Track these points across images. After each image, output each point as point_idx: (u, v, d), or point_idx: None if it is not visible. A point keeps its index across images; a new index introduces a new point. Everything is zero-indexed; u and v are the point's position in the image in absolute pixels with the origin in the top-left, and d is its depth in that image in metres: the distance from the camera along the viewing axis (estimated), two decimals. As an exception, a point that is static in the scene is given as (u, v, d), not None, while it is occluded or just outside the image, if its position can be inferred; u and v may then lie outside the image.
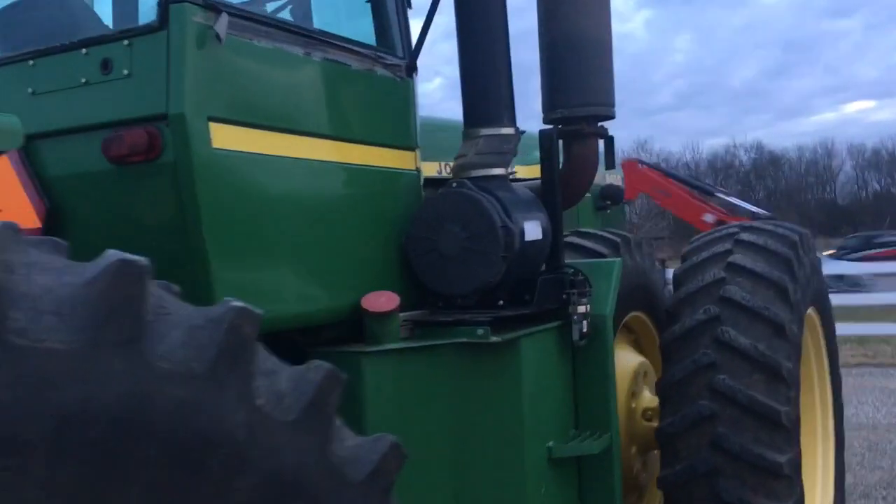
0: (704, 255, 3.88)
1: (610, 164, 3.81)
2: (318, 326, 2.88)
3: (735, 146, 73.82)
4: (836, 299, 13.44)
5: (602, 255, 4.00)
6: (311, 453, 1.37)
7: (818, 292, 4.24)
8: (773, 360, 3.44)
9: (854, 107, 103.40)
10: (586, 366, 3.41)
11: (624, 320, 4.12)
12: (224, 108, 2.40)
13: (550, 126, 3.43)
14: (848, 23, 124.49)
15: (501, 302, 3.14)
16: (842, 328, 13.86)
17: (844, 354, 12.52)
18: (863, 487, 6.47)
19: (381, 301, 2.86)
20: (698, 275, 3.79)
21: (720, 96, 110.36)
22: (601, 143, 3.62)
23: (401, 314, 2.96)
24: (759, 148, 73.19)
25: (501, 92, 3.33)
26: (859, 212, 66.61)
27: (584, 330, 3.28)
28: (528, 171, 4.77)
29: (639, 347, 4.36)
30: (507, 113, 3.33)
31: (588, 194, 5.69)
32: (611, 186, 5.89)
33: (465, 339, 2.93)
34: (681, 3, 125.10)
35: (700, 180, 18.09)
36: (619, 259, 3.58)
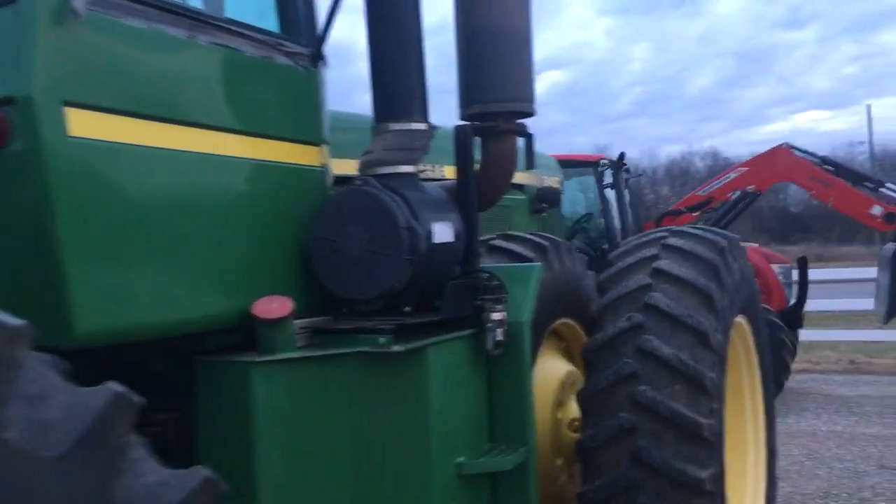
0: (630, 260, 3.73)
1: (529, 164, 3.64)
2: (205, 334, 2.66)
3: (691, 153, 74.76)
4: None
5: (526, 259, 3.84)
6: (85, 494, 1.14)
7: (749, 300, 4.11)
8: (697, 371, 3.30)
9: (807, 116, 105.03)
10: (502, 376, 3.22)
11: (552, 327, 3.96)
12: (84, 91, 2.17)
13: (466, 122, 3.24)
14: (801, 34, 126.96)
15: (408, 308, 2.94)
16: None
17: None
18: (800, 497, 6.40)
19: (273, 307, 2.65)
20: (623, 280, 3.64)
21: (677, 104, 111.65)
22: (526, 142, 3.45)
23: (298, 321, 2.76)
24: (714, 155, 74.11)
25: (412, 84, 3.14)
26: (811, 219, 67.76)
27: (499, 338, 3.10)
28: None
29: (569, 355, 4.20)
30: (418, 107, 3.14)
31: (523, 196, 5.57)
32: (547, 189, 5.75)
33: (365, 349, 2.74)
34: (640, 12, 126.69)
35: (866, 173, 15.43)
36: (538, 264, 3.41)
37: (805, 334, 13.83)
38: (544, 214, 5.71)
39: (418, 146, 3.09)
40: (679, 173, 73.22)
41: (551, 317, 3.91)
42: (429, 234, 2.92)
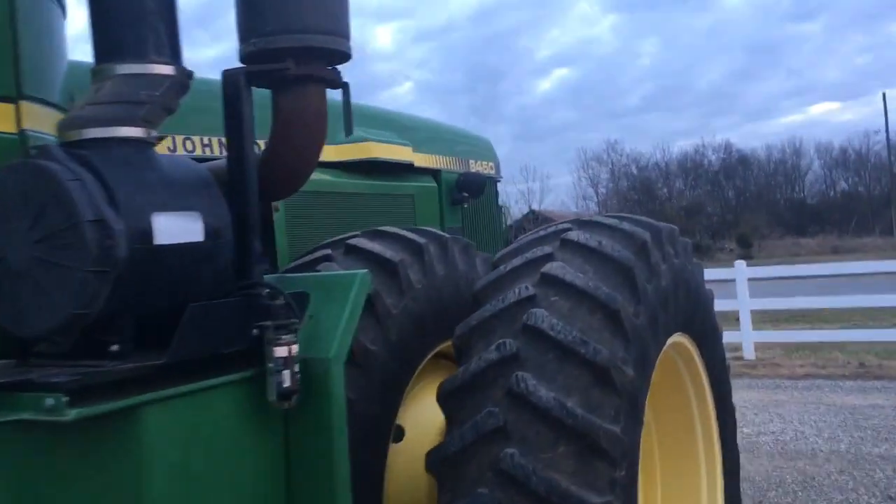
0: (517, 261, 2.70)
1: (348, 130, 2.60)
2: None
3: (704, 147, 73.39)
4: (762, 303, 12.48)
5: (388, 262, 2.83)
6: None
7: (692, 312, 3.06)
8: (588, 425, 2.26)
9: (819, 108, 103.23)
10: (301, 435, 2.21)
11: (435, 351, 2.96)
12: None
13: (241, 66, 2.23)
14: (810, 26, 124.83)
15: (116, 347, 1.92)
16: (793, 335, 12.92)
17: (792, 364, 11.49)
18: (789, 539, 5.33)
19: None
20: (503, 291, 2.60)
21: (688, 99, 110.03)
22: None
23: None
24: (727, 148, 72.77)
25: (149, 6, 2.10)
26: (828, 210, 66.10)
27: (286, 384, 2.09)
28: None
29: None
30: (157, 41, 2.11)
31: (433, 183, 4.52)
32: (469, 175, 4.70)
33: (24, 416, 1.73)
34: (646, 8, 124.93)
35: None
36: (362, 272, 2.37)
37: (810, 335, 12.75)
38: (465, 206, 4.67)
39: (150, 98, 2.05)
40: (692, 167, 71.76)
41: (432, 339, 2.93)
42: (143, 232, 1.90)
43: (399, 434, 2.93)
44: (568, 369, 2.34)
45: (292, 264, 3.02)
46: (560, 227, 2.85)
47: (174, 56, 2.13)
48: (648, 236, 2.74)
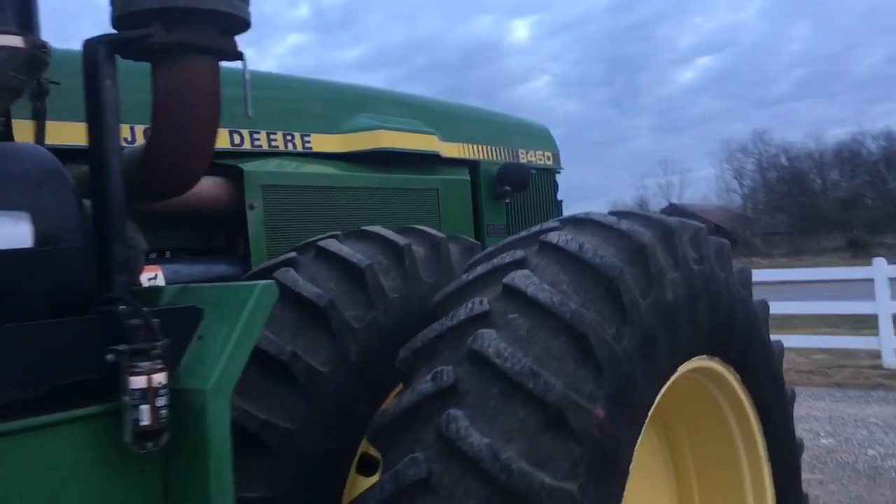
0: (482, 268, 2.21)
1: (246, 111, 2.18)
2: None
3: (862, 135, 68.43)
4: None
5: (354, 269, 2.44)
6: None
7: (723, 330, 2.47)
8: (528, 483, 1.76)
9: None
10: (177, 482, 1.83)
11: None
12: None
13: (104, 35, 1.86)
14: None
15: None
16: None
17: (844, 375, 10.26)
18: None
19: None
20: (457, 305, 2.13)
21: (843, 84, 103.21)
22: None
23: None
24: (888, 136, 67.56)
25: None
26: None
27: (145, 423, 1.71)
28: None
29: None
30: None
31: (465, 176, 4.03)
32: (511, 166, 4.21)
33: None
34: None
35: None
36: (264, 283, 1.96)
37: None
38: (507, 201, 4.17)
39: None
40: (849, 157, 66.99)
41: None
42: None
43: (373, 465, 2.52)
44: (512, 408, 1.85)
45: (253, 271, 2.67)
46: (546, 225, 2.34)
47: (24, 23, 1.79)
48: (651, 237, 2.19)
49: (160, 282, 2.63)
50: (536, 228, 2.33)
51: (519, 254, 2.17)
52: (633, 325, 2.03)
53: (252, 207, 2.95)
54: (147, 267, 2.64)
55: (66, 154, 1.99)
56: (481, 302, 2.05)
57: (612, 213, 2.36)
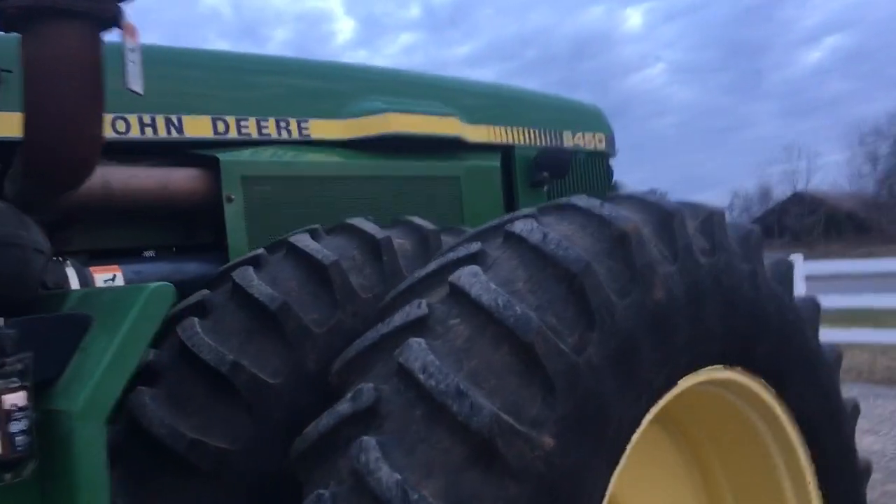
0: (434, 265, 1.88)
1: (131, 83, 1.89)
2: None
3: None
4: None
5: (319, 267, 2.17)
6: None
7: (745, 333, 2.04)
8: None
9: None
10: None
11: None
12: None
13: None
14: None
15: None
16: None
17: None
18: None
19: None
20: (395, 311, 1.80)
21: None
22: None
23: None
24: None
25: None
26: None
27: (-1, 449, 1.47)
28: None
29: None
30: None
31: (494, 162, 3.64)
32: (549, 150, 3.83)
33: None
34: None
35: None
36: (155, 284, 1.68)
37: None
38: (545, 188, 3.80)
39: None
40: None
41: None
42: None
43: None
44: (435, 436, 1.51)
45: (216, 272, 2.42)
46: (520, 213, 1.98)
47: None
48: (635, 224, 1.79)
49: (119, 283, 2.42)
50: (508, 216, 1.98)
51: (475, 246, 1.82)
52: (604, 331, 1.65)
53: (230, 200, 2.71)
54: (105, 268, 2.44)
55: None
56: (419, 305, 1.71)
57: (605, 197, 1.97)
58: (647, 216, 1.88)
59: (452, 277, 1.72)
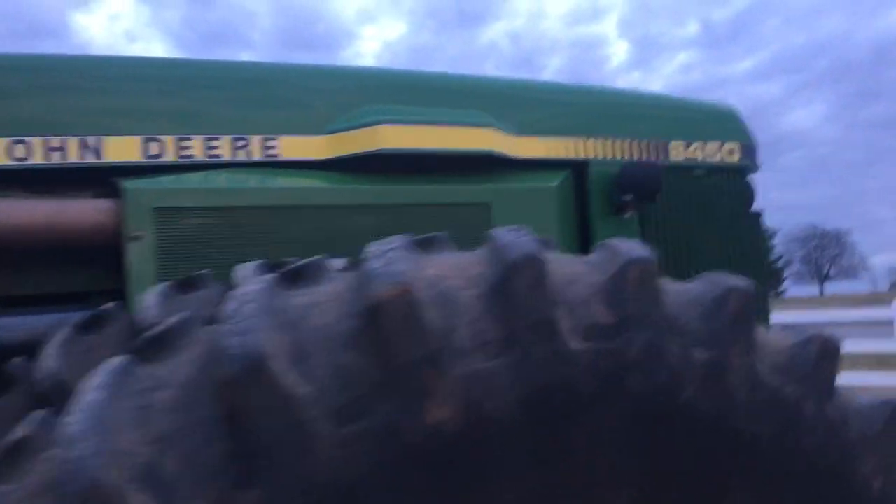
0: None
1: None
2: None
3: None
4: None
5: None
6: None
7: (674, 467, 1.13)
8: None
9: None
10: None
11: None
12: None
13: None
14: None
15: None
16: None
17: None
18: None
19: None
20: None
21: None
22: None
23: None
24: None
25: None
26: None
27: None
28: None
29: None
30: None
31: (553, 182, 2.73)
32: (632, 166, 2.96)
33: None
34: None
35: None
36: None
37: None
38: (626, 216, 2.89)
39: None
40: None
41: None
42: None
43: None
44: None
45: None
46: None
47: None
48: (405, 289, 1.00)
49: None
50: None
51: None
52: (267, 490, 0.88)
53: (136, 238, 2.18)
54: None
55: None
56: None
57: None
58: (483, 270, 1.07)
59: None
